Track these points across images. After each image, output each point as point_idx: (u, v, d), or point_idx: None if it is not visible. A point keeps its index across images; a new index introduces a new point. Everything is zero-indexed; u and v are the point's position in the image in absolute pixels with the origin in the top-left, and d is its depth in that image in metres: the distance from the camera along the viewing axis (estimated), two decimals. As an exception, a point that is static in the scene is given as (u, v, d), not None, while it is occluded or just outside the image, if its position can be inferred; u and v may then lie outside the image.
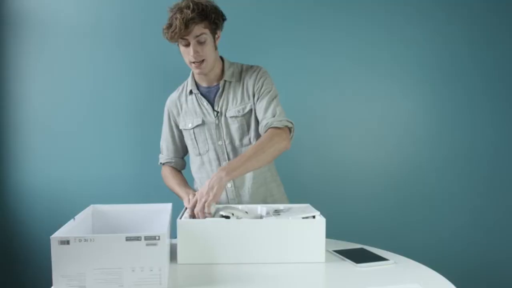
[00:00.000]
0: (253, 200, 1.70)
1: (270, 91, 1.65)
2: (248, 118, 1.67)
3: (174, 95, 1.79)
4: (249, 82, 1.67)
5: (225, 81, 1.69)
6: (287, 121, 1.60)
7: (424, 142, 2.41)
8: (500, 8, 2.38)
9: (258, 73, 1.68)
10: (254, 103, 1.66)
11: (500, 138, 2.42)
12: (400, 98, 2.40)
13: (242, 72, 1.71)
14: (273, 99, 1.64)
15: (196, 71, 1.63)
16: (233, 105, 1.67)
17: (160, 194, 2.21)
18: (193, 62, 1.60)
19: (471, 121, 2.40)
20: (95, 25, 2.25)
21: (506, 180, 2.43)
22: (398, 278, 1.24)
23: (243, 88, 1.68)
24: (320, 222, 1.34)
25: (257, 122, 1.67)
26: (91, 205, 1.49)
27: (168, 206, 1.47)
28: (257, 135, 1.69)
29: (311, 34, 2.32)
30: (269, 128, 1.57)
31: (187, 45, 1.57)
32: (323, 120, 2.36)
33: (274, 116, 1.60)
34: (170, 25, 1.54)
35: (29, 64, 2.24)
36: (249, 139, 1.69)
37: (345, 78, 2.36)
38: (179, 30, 1.52)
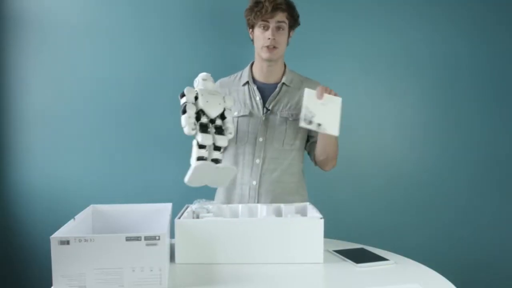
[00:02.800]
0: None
1: None
2: (297, 125, 1.72)
3: (225, 80, 1.81)
4: None
5: (283, 83, 1.73)
6: None
7: (425, 142, 2.40)
8: (500, 8, 2.38)
9: None
10: None
11: (499, 138, 2.42)
12: (399, 99, 2.39)
13: (302, 81, 1.76)
14: None
15: (265, 55, 1.66)
16: (286, 108, 1.71)
17: (160, 194, 2.22)
18: (266, 46, 1.63)
19: (469, 121, 2.40)
20: (95, 24, 2.25)
21: (506, 180, 2.43)
22: (398, 278, 1.24)
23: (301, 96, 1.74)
24: (319, 223, 1.34)
25: (304, 132, 1.73)
26: (91, 205, 1.49)
27: (168, 206, 1.47)
28: (302, 144, 1.75)
29: (310, 35, 2.32)
30: None
31: (266, 28, 1.62)
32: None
33: None
34: (257, 4, 1.59)
35: (29, 64, 2.24)
36: (290, 145, 1.71)
37: (344, 79, 2.35)
38: (265, 11, 1.57)
